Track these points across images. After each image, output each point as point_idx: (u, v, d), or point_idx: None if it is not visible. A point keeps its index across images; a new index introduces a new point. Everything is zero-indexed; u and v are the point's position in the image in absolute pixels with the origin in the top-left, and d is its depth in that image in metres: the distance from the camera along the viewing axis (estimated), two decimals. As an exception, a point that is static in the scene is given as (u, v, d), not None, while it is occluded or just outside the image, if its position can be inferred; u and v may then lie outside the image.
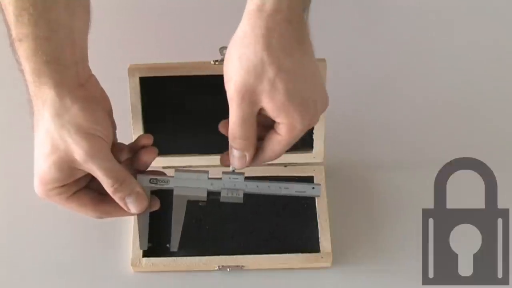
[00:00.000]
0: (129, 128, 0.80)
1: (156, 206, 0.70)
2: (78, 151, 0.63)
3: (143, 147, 0.70)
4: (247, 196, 0.84)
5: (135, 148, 0.70)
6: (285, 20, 0.61)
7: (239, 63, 0.62)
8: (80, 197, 0.67)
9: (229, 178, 0.70)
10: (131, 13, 1.02)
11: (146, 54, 0.84)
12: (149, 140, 0.70)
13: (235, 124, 0.64)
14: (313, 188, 0.70)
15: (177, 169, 0.71)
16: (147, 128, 0.81)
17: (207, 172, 0.71)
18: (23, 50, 0.62)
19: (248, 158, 0.67)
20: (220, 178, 0.70)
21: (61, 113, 0.63)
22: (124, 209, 0.68)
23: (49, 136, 0.63)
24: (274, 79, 0.61)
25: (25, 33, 0.62)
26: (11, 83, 0.92)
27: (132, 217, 0.81)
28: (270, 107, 0.62)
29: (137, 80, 0.78)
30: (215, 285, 0.80)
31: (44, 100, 0.63)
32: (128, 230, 0.82)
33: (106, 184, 0.65)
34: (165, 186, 0.70)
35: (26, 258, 0.82)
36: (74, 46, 0.64)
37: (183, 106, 0.82)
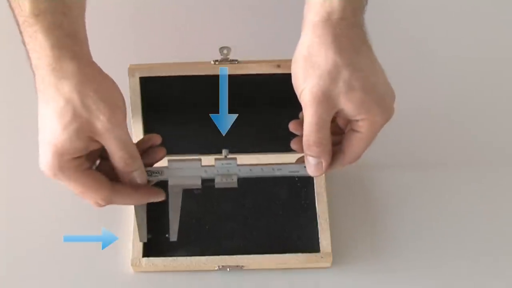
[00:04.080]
0: (129, 128, 0.80)
1: (162, 196, 0.70)
2: (101, 119, 0.63)
3: (148, 147, 0.70)
4: (246, 196, 0.84)
5: (141, 146, 0.70)
6: (350, 25, 0.63)
7: (312, 71, 0.63)
8: (94, 172, 0.67)
9: (222, 164, 0.70)
10: (131, 13, 1.02)
11: (146, 54, 0.84)
12: (158, 138, 0.70)
13: (310, 131, 0.65)
14: (305, 167, 0.69)
15: (170, 159, 0.71)
16: (147, 128, 0.81)
17: (199, 159, 0.70)
18: (41, 26, 0.63)
19: (324, 164, 0.67)
20: (213, 165, 0.70)
21: (84, 82, 0.63)
22: (132, 191, 0.68)
23: (70, 105, 0.62)
24: (350, 79, 0.62)
25: (43, 8, 0.63)
26: (10, 83, 0.93)
27: (132, 216, 0.81)
28: (349, 106, 0.63)
29: (137, 80, 0.78)
30: (215, 285, 0.80)
31: (65, 72, 0.63)
32: (128, 230, 0.82)
33: (119, 157, 0.65)
34: (160, 177, 0.70)
35: (26, 258, 0.82)
36: (84, 25, 0.66)
37: (183, 106, 0.82)
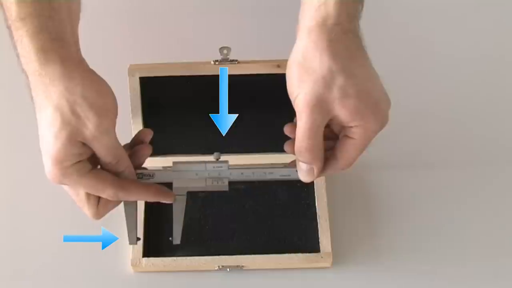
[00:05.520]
0: (129, 128, 0.80)
1: (170, 199, 0.70)
2: (88, 127, 0.63)
3: (141, 142, 0.70)
4: (246, 196, 0.84)
5: (133, 145, 0.70)
6: (345, 30, 0.63)
7: (307, 76, 0.63)
8: (98, 172, 0.67)
9: (213, 167, 0.70)
10: (131, 13, 1.02)
11: (146, 54, 0.84)
12: (149, 133, 0.70)
13: (303, 137, 0.64)
14: (297, 171, 0.69)
15: (175, 161, 0.71)
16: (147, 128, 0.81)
17: (205, 162, 0.70)
18: (26, 30, 0.62)
19: (316, 170, 0.66)
20: (221, 167, 0.70)
21: (71, 87, 0.62)
22: (139, 188, 0.68)
23: (59, 112, 0.62)
24: (344, 86, 0.62)
25: (28, 12, 0.62)
26: (10, 83, 0.93)
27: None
28: (343, 113, 0.63)
29: (137, 80, 0.78)
30: (215, 285, 0.80)
31: (51, 77, 0.63)
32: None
33: (105, 160, 0.65)
34: (151, 180, 0.70)
35: (26, 258, 0.82)
36: (72, 27, 0.65)
37: (183, 106, 0.82)
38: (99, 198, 0.68)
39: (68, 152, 0.63)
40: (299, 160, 0.67)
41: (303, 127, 0.64)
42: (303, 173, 0.67)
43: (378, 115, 0.64)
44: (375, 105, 0.64)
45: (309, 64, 0.63)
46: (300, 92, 0.63)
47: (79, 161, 0.64)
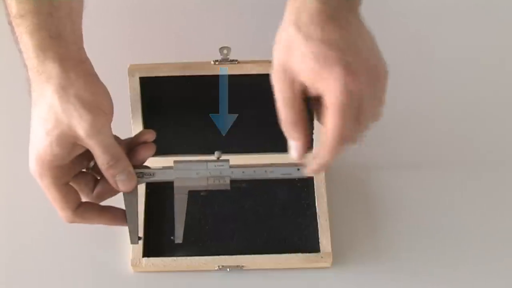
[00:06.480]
0: (129, 128, 0.80)
1: (124, 223, 0.71)
2: (82, 125, 0.63)
3: (143, 142, 0.70)
4: (246, 196, 0.84)
5: (133, 144, 0.70)
6: (316, 1, 0.62)
7: (276, 46, 0.64)
8: (67, 190, 0.67)
9: (215, 166, 0.70)
10: (131, 13, 1.02)
11: (146, 54, 0.84)
12: (152, 135, 0.70)
13: (279, 108, 0.64)
14: (298, 169, 0.69)
15: (176, 160, 0.71)
16: (147, 128, 0.81)
17: (206, 161, 0.70)
18: (26, 26, 0.63)
19: (299, 147, 0.65)
20: (222, 165, 0.70)
21: (66, 86, 0.63)
22: (97, 217, 0.70)
23: (53, 111, 0.63)
24: (304, 49, 0.61)
25: (28, 9, 0.63)
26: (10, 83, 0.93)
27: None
28: (305, 75, 0.62)
29: (137, 80, 0.78)
30: (215, 285, 0.80)
31: (48, 75, 0.63)
32: (128, 230, 0.82)
33: (102, 160, 0.65)
34: (152, 179, 0.70)
35: (26, 258, 0.82)
36: (73, 25, 0.65)
37: (183, 106, 0.82)
38: (79, 202, 0.69)
39: (53, 152, 0.63)
40: (287, 138, 0.65)
41: (277, 99, 0.64)
42: (292, 151, 0.66)
43: (342, 75, 0.60)
44: (336, 65, 0.60)
45: (280, 36, 0.64)
46: (272, 64, 0.64)
47: (60, 168, 0.64)
